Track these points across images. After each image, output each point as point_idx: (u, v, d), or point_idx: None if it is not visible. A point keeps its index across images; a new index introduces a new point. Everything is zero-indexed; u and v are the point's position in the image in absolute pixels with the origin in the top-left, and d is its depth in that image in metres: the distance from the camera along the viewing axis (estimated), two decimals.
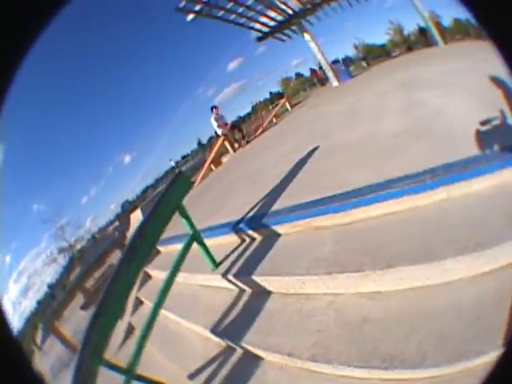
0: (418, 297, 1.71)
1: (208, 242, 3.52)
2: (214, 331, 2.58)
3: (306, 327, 1.96)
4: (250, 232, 3.13)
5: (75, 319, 9.36)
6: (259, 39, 15.61)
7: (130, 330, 4.30)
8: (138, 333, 2.57)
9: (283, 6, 13.77)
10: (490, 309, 1.40)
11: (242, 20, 13.47)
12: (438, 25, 13.60)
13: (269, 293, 2.49)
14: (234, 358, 2.36)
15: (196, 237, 3.04)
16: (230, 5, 12.09)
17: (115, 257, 7.17)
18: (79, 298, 10.45)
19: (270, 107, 19.56)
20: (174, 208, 2.89)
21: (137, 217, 14.00)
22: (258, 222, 3.02)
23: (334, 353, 1.69)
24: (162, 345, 3.26)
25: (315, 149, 4.23)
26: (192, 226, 3.04)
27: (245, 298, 2.69)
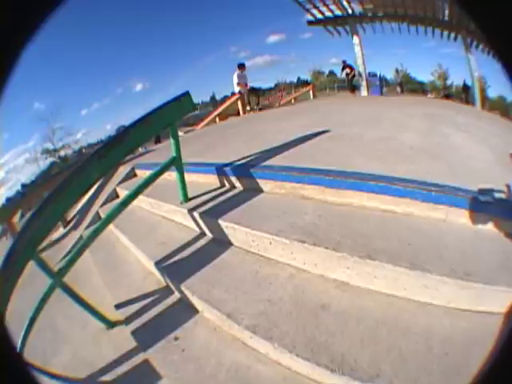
0: (388, 305, 1.46)
1: (188, 177, 3.26)
2: (157, 265, 2.34)
3: (256, 293, 1.70)
4: (233, 178, 2.83)
5: None
6: (310, 22, 15.20)
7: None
8: (78, 242, 2.29)
9: (345, 3, 13.63)
10: (459, 350, 1.21)
11: None
12: (483, 90, 13.30)
13: (230, 244, 2.23)
14: (168, 301, 2.14)
15: (176, 161, 2.71)
16: None
17: None
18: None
19: (293, 91, 18.83)
20: (166, 123, 2.56)
21: None
22: (245, 171, 2.72)
23: (278, 331, 1.43)
24: (104, 265, 3.11)
25: (327, 131, 3.83)
26: (177, 149, 2.70)
27: (203, 241, 2.43)
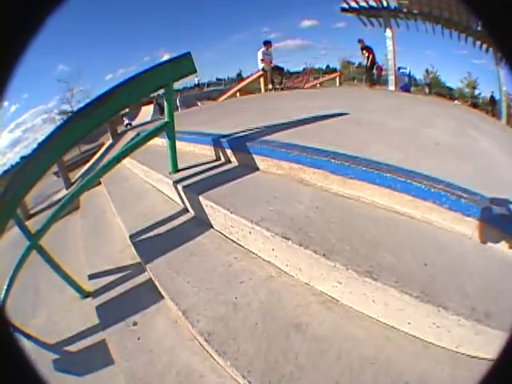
0: (384, 339, 1.09)
1: (184, 147, 3.05)
2: (132, 238, 2.10)
3: (223, 291, 1.39)
4: (229, 152, 2.48)
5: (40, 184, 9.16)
6: (343, 10, 14.56)
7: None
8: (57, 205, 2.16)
9: None
10: None
11: None
12: (510, 107, 12.77)
13: (210, 226, 1.92)
14: (137, 280, 1.94)
15: (168, 127, 2.39)
16: None
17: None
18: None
19: (320, 77, 18.20)
20: (159, 83, 2.22)
21: (146, 111, 13.62)
22: (242, 145, 2.36)
23: (235, 347, 1.12)
24: (90, 231, 2.99)
25: (345, 113, 3.40)
26: (170, 113, 2.38)
27: (183, 218, 2.14)
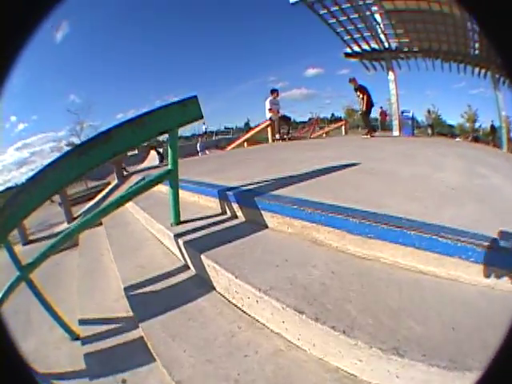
0: None
1: (189, 197, 3.01)
2: (126, 291, 1.99)
3: (224, 364, 1.23)
4: (236, 206, 2.39)
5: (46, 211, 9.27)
6: (347, 55, 15.24)
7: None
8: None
9: (382, 36, 13.69)
10: None
11: (340, 29, 13.33)
12: (510, 131, 13.16)
13: (212, 287, 1.77)
14: (129, 335, 1.78)
15: (172, 175, 2.34)
16: (334, 8, 12.05)
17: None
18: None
19: (326, 126, 18.87)
20: (164, 128, 2.18)
21: (153, 155, 13.82)
22: (249, 199, 2.27)
23: None
24: (86, 272, 2.95)
25: (355, 164, 3.39)
26: (174, 161, 2.33)
27: (183, 275, 2.00)
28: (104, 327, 1.95)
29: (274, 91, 9.61)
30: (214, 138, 22.28)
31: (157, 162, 11.23)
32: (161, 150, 13.34)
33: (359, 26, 13.12)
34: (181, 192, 2.48)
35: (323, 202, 1.96)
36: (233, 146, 10.36)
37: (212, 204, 2.69)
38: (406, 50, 14.56)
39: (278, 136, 9.78)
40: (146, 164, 11.74)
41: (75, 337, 2.11)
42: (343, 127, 15.50)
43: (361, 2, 12.10)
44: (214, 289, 1.75)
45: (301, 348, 1.25)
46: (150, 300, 1.81)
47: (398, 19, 13.11)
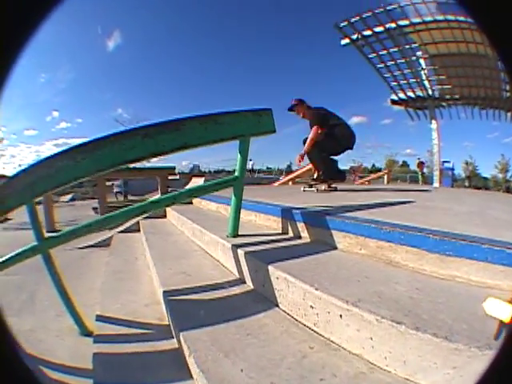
0: None
1: (244, 215, 2.82)
2: (165, 296, 1.76)
3: None
4: (300, 225, 2.19)
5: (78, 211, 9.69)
6: (393, 102, 15.54)
7: None
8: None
9: (426, 82, 13.91)
10: None
11: (387, 75, 13.69)
12: None
13: (274, 304, 1.53)
14: (159, 345, 1.52)
15: (237, 182, 2.19)
16: (382, 52, 12.48)
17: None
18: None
19: (366, 174, 18.61)
20: (237, 132, 2.08)
21: (196, 181, 14.03)
22: (316, 218, 2.07)
23: None
24: (112, 272, 2.74)
25: (412, 201, 3.23)
26: (242, 169, 2.20)
27: (237, 289, 1.77)
28: (126, 330, 1.72)
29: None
30: (256, 176, 22.37)
31: None
32: (202, 180, 13.53)
33: (405, 71, 13.34)
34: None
35: (394, 222, 1.81)
36: (279, 182, 10.08)
37: (271, 223, 2.51)
38: (447, 97, 14.79)
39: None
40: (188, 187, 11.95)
41: (86, 332, 1.91)
42: (385, 176, 15.11)
43: (407, 46, 12.29)
44: (278, 305, 1.51)
45: (385, 369, 1.03)
46: (195, 309, 1.57)
47: (441, 64, 13.27)
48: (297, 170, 11.32)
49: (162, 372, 1.32)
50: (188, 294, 1.75)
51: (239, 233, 2.26)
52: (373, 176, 15.54)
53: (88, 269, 3.29)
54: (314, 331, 1.27)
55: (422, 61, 13.33)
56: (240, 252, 1.87)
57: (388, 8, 11.27)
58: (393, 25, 11.67)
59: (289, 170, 25.22)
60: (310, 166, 9.30)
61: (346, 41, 12.22)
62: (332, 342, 1.20)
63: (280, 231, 2.41)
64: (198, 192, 2.39)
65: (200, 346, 1.24)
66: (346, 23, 11.61)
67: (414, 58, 12.95)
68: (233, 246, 1.98)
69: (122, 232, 4.36)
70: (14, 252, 1.92)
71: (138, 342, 1.58)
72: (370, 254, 1.72)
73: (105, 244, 4.08)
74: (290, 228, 2.30)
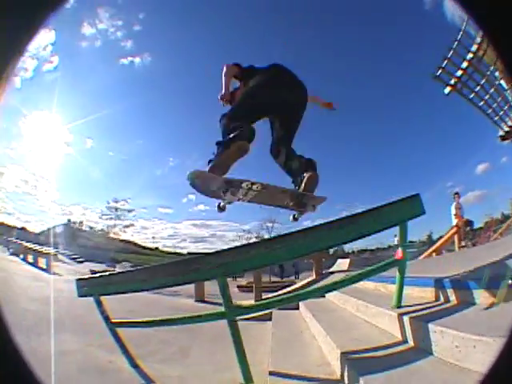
0: None
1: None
2: (343, 356, 2.11)
3: None
4: (449, 291, 2.41)
5: None
6: (502, 138, 13.07)
7: None
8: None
9: None
10: None
11: (489, 110, 11.63)
12: None
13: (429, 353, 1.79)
14: None
15: (402, 261, 2.55)
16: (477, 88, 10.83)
17: None
18: None
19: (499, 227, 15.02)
20: (395, 220, 2.54)
21: (340, 262, 13.92)
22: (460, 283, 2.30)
23: None
24: (279, 339, 3.23)
25: None
26: (405, 245, 2.60)
27: (402, 347, 2.05)
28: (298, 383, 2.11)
29: (456, 194, 9.25)
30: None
31: (345, 267, 11.39)
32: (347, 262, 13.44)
33: (498, 99, 11.02)
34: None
35: None
36: (424, 255, 9.54)
37: (426, 294, 2.67)
38: None
39: (463, 243, 8.80)
40: (334, 268, 12.01)
41: None
42: None
43: (487, 72, 10.16)
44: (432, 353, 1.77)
45: None
46: (367, 367, 1.85)
47: None
48: (438, 239, 10.43)
49: None
50: (360, 353, 2.12)
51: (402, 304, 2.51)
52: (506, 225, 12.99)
53: (250, 338, 3.52)
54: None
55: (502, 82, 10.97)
56: (405, 318, 2.17)
57: (458, 38, 10.23)
58: (470, 55, 10.34)
59: (430, 241, 22.65)
60: (453, 231, 8.64)
61: (448, 89, 11.20)
62: None
63: (434, 299, 2.56)
64: (357, 278, 2.82)
65: None
66: (440, 71, 10.95)
67: (497, 82, 10.75)
68: (399, 314, 2.26)
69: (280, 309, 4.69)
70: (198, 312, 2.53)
71: None
72: None
73: (267, 318, 4.45)
74: (441, 295, 2.49)
